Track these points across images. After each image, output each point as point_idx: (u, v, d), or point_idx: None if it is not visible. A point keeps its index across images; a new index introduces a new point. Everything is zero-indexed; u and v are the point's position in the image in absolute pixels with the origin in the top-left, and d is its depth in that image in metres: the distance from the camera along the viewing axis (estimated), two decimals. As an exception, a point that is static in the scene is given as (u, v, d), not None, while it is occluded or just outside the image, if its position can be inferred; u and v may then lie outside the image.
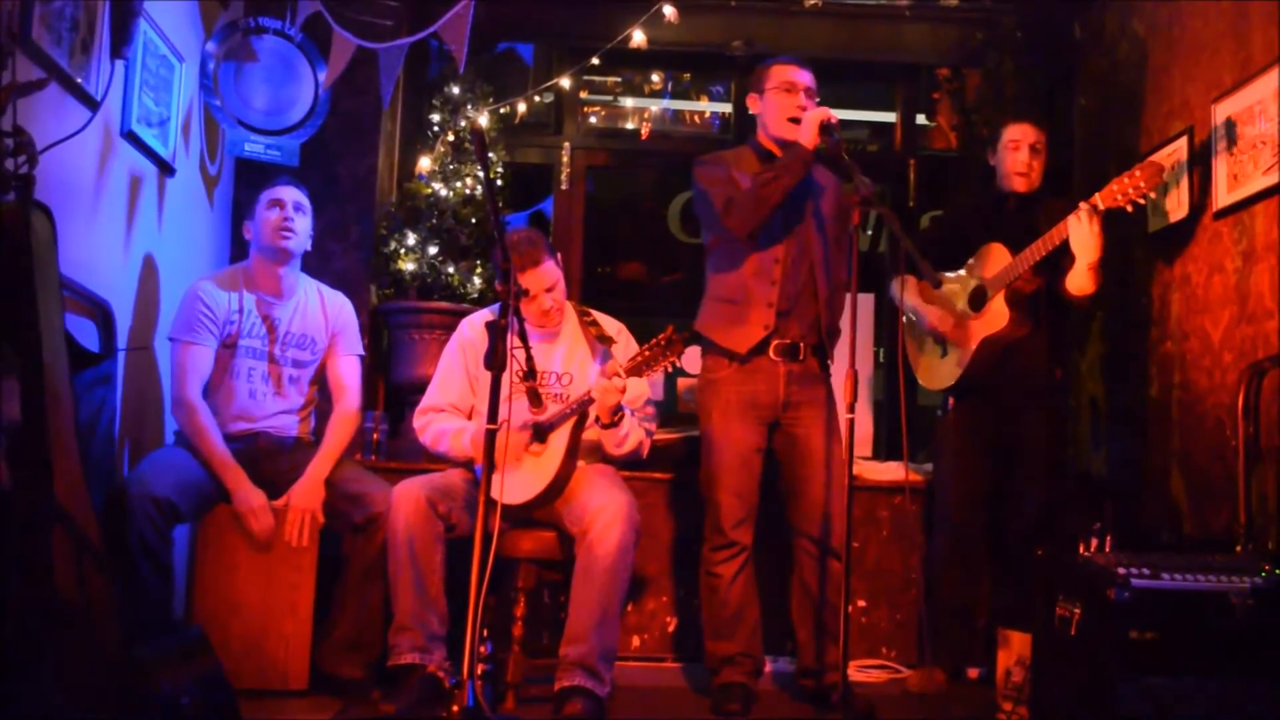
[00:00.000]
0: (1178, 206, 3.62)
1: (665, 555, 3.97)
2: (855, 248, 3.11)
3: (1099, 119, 4.37)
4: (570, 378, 3.29)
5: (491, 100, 4.52)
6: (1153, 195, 3.20)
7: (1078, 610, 2.68)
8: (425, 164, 4.41)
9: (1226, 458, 3.24)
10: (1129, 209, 3.18)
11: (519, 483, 3.10)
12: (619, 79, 6.07)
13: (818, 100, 3.26)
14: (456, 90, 4.45)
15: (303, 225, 3.39)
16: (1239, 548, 2.91)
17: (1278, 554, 2.85)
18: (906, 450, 3.16)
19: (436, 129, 4.44)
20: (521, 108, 4.57)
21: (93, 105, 2.98)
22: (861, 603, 3.97)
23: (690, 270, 6.42)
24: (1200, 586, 2.54)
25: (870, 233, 6.19)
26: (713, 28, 4.80)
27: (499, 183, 4.48)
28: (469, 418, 3.32)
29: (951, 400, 3.70)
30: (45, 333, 2.23)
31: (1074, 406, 4.30)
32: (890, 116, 5.52)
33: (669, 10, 4.16)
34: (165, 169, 3.58)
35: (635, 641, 3.95)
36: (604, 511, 3.00)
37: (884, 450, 4.73)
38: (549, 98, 5.14)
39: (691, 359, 3.94)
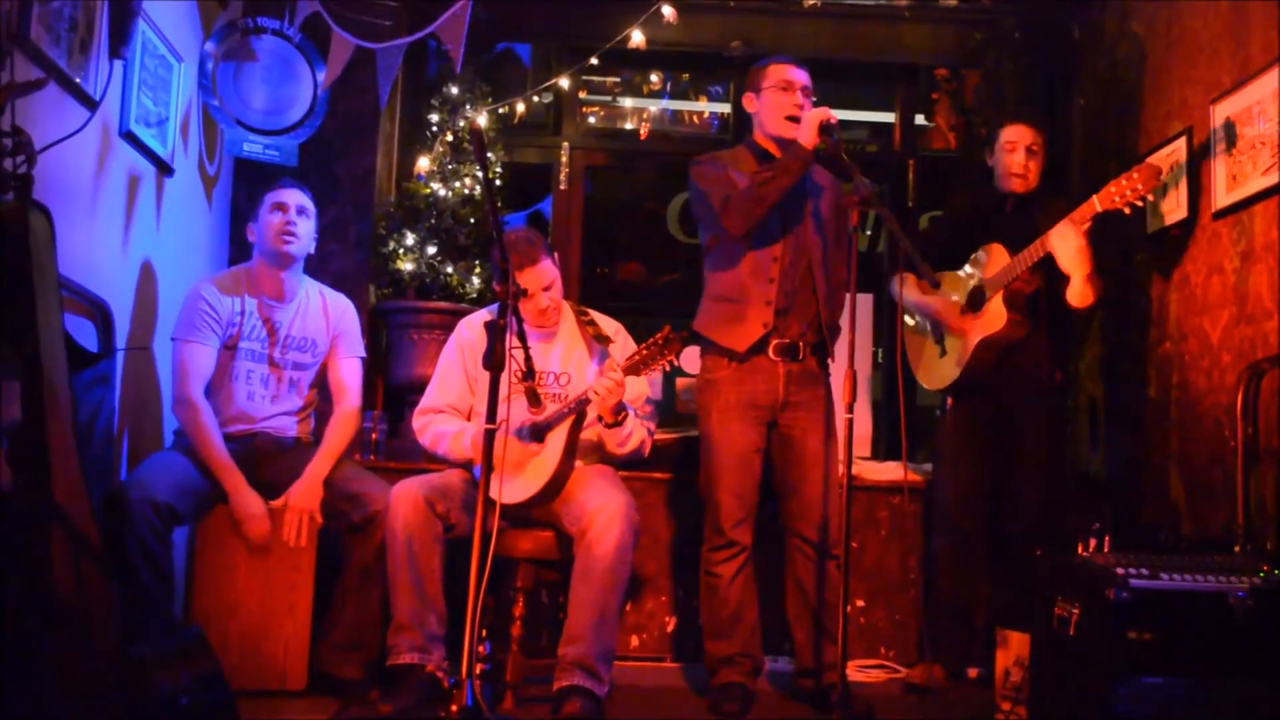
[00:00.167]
0: (1177, 207, 3.62)
1: (664, 555, 3.97)
2: (854, 248, 3.11)
3: (1098, 119, 4.37)
4: (568, 377, 3.30)
5: (490, 100, 4.52)
6: (1150, 197, 3.20)
7: (1076, 610, 2.68)
8: (424, 164, 4.40)
9: (1225, 458, 3.24)
10: (1127, 211, 3.18)
11: (517, 482, 3.10)
12: (618, 79, 6.07)
13: (814, 100, 3.26)
14: (455, 90, 4.45)
15: (305, 229, 3.39)
16: (1237, 548, 2.91)
17: (1276, 554, 2.85)
18: (905, 450, 3.16)
19: (435, 129, 4.44)
20: (520, 108, 4.57)
21: (91, 105, 2.97)
22: (860, 602, 3.97)
23: (689, 270, 6.41)
24: (1199, 587, 2.54)
25: (870, 233, 6.20)
26: (711, 28, 4.80)
27: (497, 183, 4.47)
28: (468, 418, 3.32)
29: (950, 400, 3.71)
30: (44, 333, 2.23)
31: (1073, 407, 4.30)
32: (889, 117, 5.52)
33: (668, 10, 4.17)
34: (164, 169, 3.58)
35: (634, 641, 3.95)
36: (602, 511, 3.00)
37: (883, 450, 4.73)
38: (548, 98, 5.14)
39: (690, 358, 3.94)
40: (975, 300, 3.53)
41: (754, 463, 3.25)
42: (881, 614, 3.99)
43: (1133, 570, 2.56)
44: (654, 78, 6.06)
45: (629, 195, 6.75)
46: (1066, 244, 3.23)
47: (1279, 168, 3.06)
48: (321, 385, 3.51)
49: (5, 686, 2.00)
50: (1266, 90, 3.14)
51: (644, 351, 3.06)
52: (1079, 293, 3.32)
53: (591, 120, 6.06)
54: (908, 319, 3.80)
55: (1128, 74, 4.07)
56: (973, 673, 3.66)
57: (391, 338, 4.33)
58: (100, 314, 3.05)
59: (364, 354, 3.55)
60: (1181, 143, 3.60)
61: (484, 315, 3.40)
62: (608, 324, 3.38)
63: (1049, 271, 3.38)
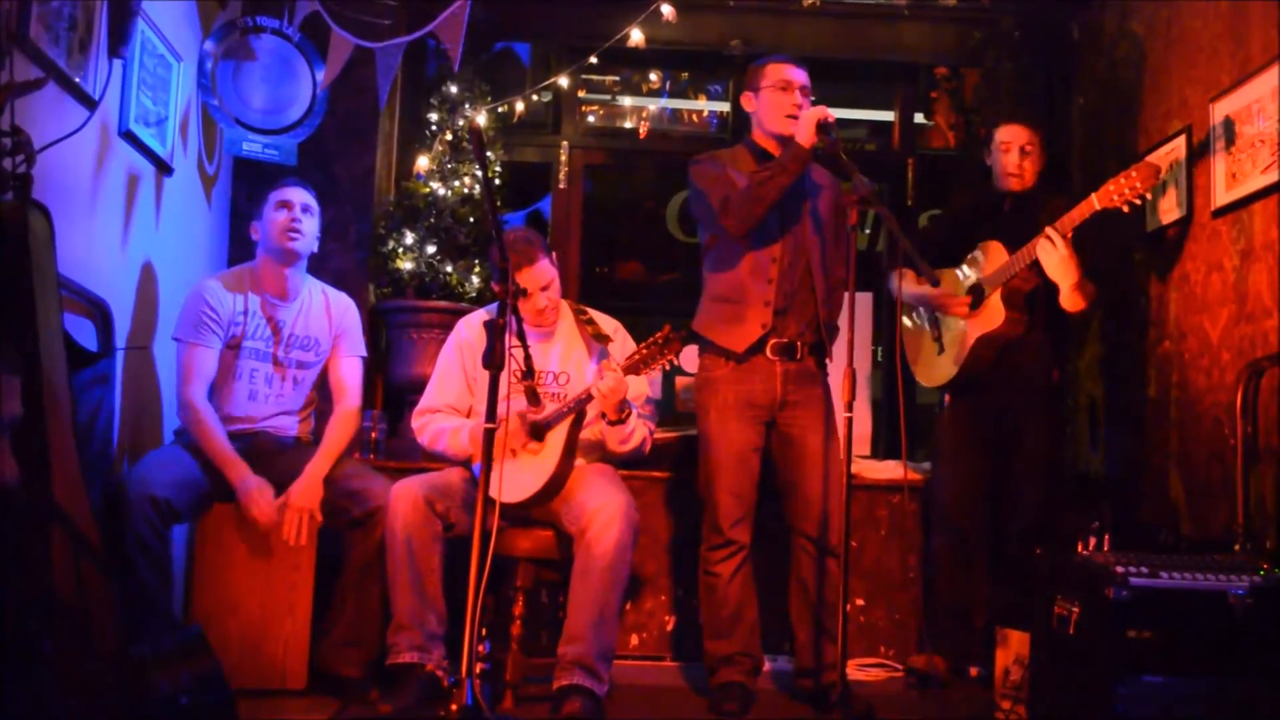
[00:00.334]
0: (1176, 205, 3.62)
1: (664, 554, 3.97)
2: (853, 247, 3.11)
3: (1097, 118, 4.37)
4: (567, 376, 3.29)
5: (489, 99, 4.52)
6: (1149, 196, 3.21)
7: (1076, 609, 2.68)
8: (423, 163, 4.40)
9: (1225, 457, 3.24)
10: (1125, 209, 3.18)
11: (517, 481, 3.09)
12: (617, 78, 6.07)
13: (813, 99, 3.26)
14: (454, 89, 4.45)
15: (310, 227, 3.39)
16: (1237, 547, 2.91)
17: (1275, 553, 2.85)
18: (905, 449, 3.16)
19: (434, 128, 4.44)
20: (519, 107, 4.57)
21: (90, 104, 2.97)
22: (860, 601, 3.97)
23: (688, 270, 6.41)
24: (1198, 586, 2.54)
25: (869, 232, 6.20)
26: (711, 27, 4.80)
27: (497, 182, 4.47)
28: (467, 418, 3.31)
29: (948, 398, 3.70)
30: (43, 332, 2.23)
31: (1072, 406, 4.30)
32: (888, 115, 5.52)
33: (667, 9, 4.16)
34: (163, 168, 3.58)
35: (634, 640, 3.95)
36: (602, 511, 3.00)
37: (882, 449, 4.74)
38: (547, 97, 5.15)
39: (689, 357, 3.94)
40: (974, 297, 3.53)
41: (752, 462, 3.25)
42: (881, 613, 3.99)
43: (1132, 569, 2.56)
44: (653, 76, 6.06)
45: (628, 194, 6.75)
46: (1050, 256, 3.26)
47: (1278, 166, 3.06)
48: (322, 385, 3.51)
49: (5, 686, 2.00)
50: (1266, 89, 3.14)
51: (643, 351, 3.06)
52: (1068, 300, 3.35)
53: (591, 119, 6.06)
54: (906, 320, 3.80)
55: (1127, 73, 4.07)
56: (973, 671, 3.66)
57: (391, 337, 4.33)
58: (100, 313, 3.05)
59: (365, 353, 3.55)
60: (1181, 141, 3.60)
61: (483, 315, 3.40)
62: (607, 323, 3.38)
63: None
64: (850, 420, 2.91)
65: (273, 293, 3.40)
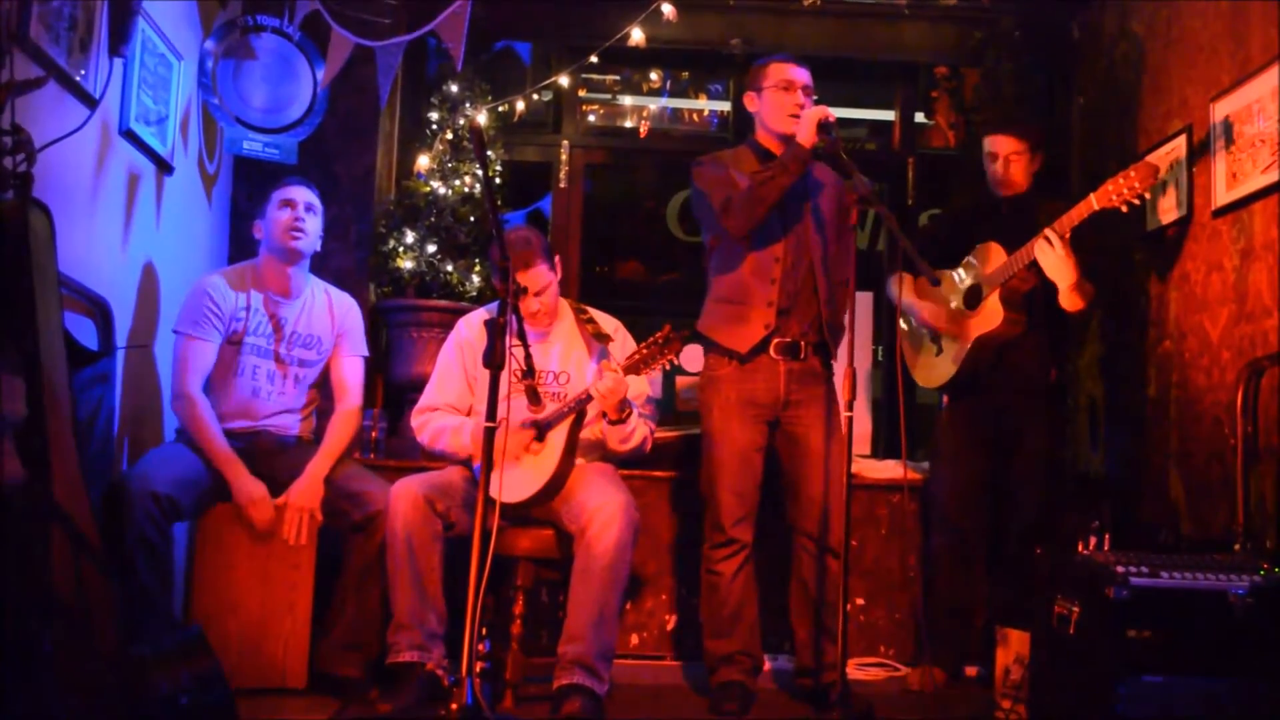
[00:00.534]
0: (1176, 205, 3.62)
1: (664, 553, 3.97)
2: (854, 246, 3.11)
3: (1097, 118, 4.37)
4: (567, 376, 3.29)
5: (490, 98, 4.52)
6: (1147, 195, 3.21)
7: (1076, 609, 2.68)
8: (424, 162, 4.40)
9: (1225, 457, 3.24)
10: (1124, 209, 3.19)
11: (517, 480, 3.10)
12: (617, 77, 6.08)
13: (815, 98, 3.26)
14: (455, 88, 4.45)
15: (313, 225, 3.40)
16: (1237, 546, 2.91)
17: (1276, 553, 2.85)
18: (905, 448, 3.16)
19: (435, 127, 4.44)
20: (520, 106, 4.57)
21: (91, 103, 2.97)
22: (860, 601, 3.97)
23: (688, 269, 6.43)
24: (1198, 585, 2.54)
25: (869, 232, 6.20)
26: (711, 26, 4.80)
27: (497, 181, 4.47)
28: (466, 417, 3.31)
29: (946, 398, 3.70)
30: (43, 331, 2.23)
31: (1072, 406, 4.30)
32: (889, 115, 5.52)
33: (667, 9, 4.16)
34: (164, 167, 3.58)
35: (634, 640, 3.95)
36: (602, 510, 3.00)
37: (882, 448, 4.73)
38: (547, 96, 5.15)
39: (689, 357, 3.95)
40: (972, 298, 3.53)
41: (754, 461, 3.26)
42: (881, 613, 3.99)
43: (1133, 569, 2.57)
44: (654, 76, 6.06)
45: (628, 193, 6.75)
46: (1047, 256, 3.26)
47: (1278, 166, 3.06)
48: (324, 384, 3.51)
49: (5, 686, 2.00)
50: (1266, 88, 3.14)
51: (644, 350, 3.06)
52: (1067, 299, 3.35)
53: (591, 118, 6.07)
54: (903, 322, 3.80)
55: (1127, 73, 4.07)
56: (972, 671, 3.67)
57: (391, 336, 4.33)
58: (100, 312, 3.05)
59: (367, 353, 3.55)
60: (1181, 141, 3.60)
61: (483, 314, 3.40)
62: (607, 322, 3.38)
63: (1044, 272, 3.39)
64: (850, 420, 2.91)
65: (275, 290, 3.40)
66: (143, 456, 3.22)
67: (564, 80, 4.58)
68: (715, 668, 3.26)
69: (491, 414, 2.54)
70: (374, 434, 4.07)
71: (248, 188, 4.20)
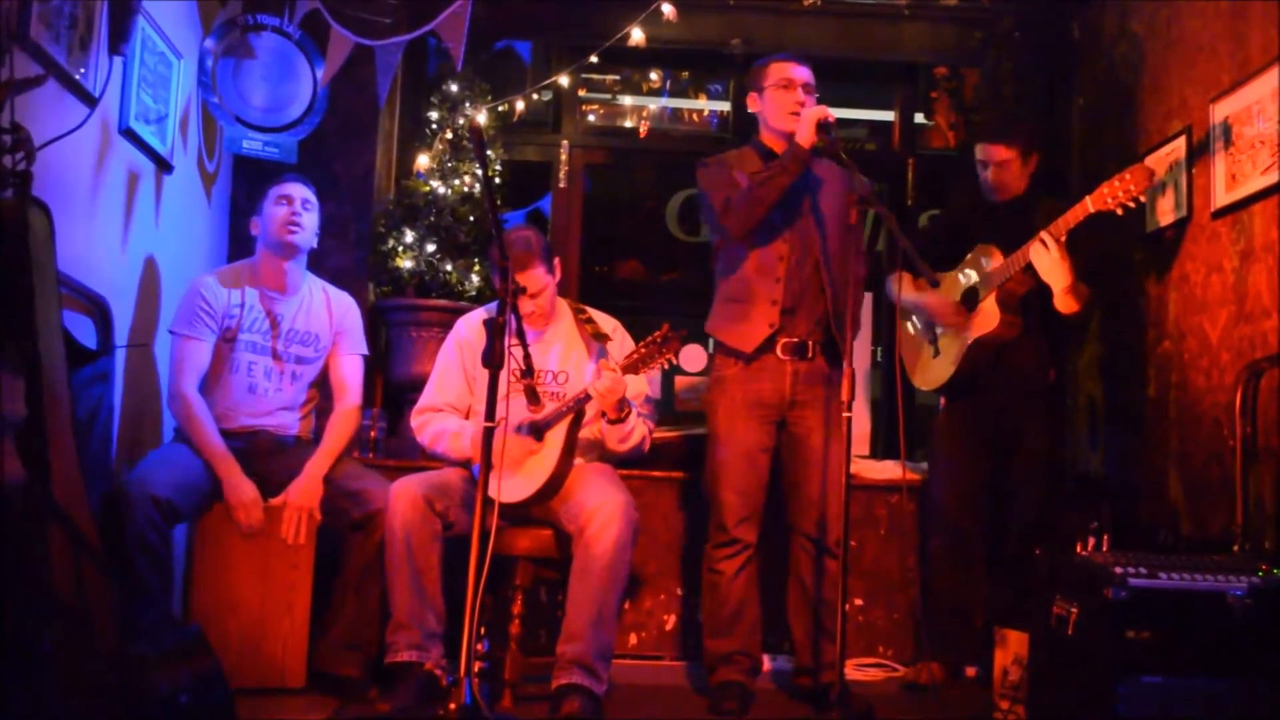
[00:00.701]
0: (1175, 206, 3.62)
1: (663, 553, 3.97)
2: (862, 243, 3.11)
3: (1097, 119, 4.37)
4: (566, 376, 3.29)
5: (489, 98, 4.52)
6: (1143, 198, 3.21)
7: (1075, 610, 2.68)
8: (423, 161, 4.40)
9: (1224, 458, 3.24)
10: (1119, 212, 3.19)
11: (516, 480, 3.10)
12: (617, 77, 6.07)
13: (817, 96, 3.26)
14: (455, 88, 4.45)
15: (309, 221, 3.41)
16: (1236, 547, 2.91)
17: (1274, 554, 2.85)
18: (904, 448, 3.16)
19: (435, 127, 4.44)
20: (520, 105, 4.56)
21: (91, 102, 2.97)
22: (858, 601, 3.97)
23: (688, 269, 6.43)
24: (1197, 586, 2.54)
25: (868, 232, 6.19)
26: (711, 26, 4.80)
27: (497, 180, 4.47)
28: (466, 417, 3.31)
29: (943, 400, 3.70)
30: (43, 330, 2.23)
31: (1071, 406, 4.30)
32: (889, 115, 5.52)
33: (667, 8, 4.16)
34: (163, 166, 3.58)
35: (633, 639, 3.95)
36: (601, 510, 3.00)
37: (881, 448, 4.73)
38: (547, 96, 5.14)
39: (688, 357, 3.95)
40: (969, 300, 3.54)
41: (759, 461, 3.26)
42: (880, 613, 3.99)
43: (1131, 569, 2.56)
44: (653, 75, 6.06)
45: (628, 193, 6.75)
46: (1042, 259, 3.27)
47: (1278, 167, 3.06)
48: (323, 383, 3.51)
49: (5, 686, 2.00)
50: (1265, 89, 3.14)
51: (642, 350, 3.06)
52: (1062, 302, 3.36)
53: (591, 118, 6.06)
54: (904, 317, 3.80)
55: (1127, 73, 4.07)
56: (971, 672, 3.67)
57: (390, 335, 4.33)
58: (99, 311, 3.04)
59: (366, 351, 3.55)
60: (1181, 142, 3.60)
61: (482, 314, 3.40)
62: (606, 322, 3.38)
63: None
64: (850, 420, 2.91)
65: (271, 286, 3.40)
66: (142, 459, 3.22)
67: (564, 80, 4.58)
68: (714, 667, 3.26)
69: (490, 413, 2.54)
70: (373, 434, 4.07)
71: (247, 187, 4.19)
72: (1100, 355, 4.22)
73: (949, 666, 3.61)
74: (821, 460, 3.23)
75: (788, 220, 3.24)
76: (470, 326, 3.36)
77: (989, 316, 3.45)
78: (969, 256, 3.58)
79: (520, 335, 2.79)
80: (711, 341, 3.40)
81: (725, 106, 5.93)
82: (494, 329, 2.57)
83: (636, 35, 4.23)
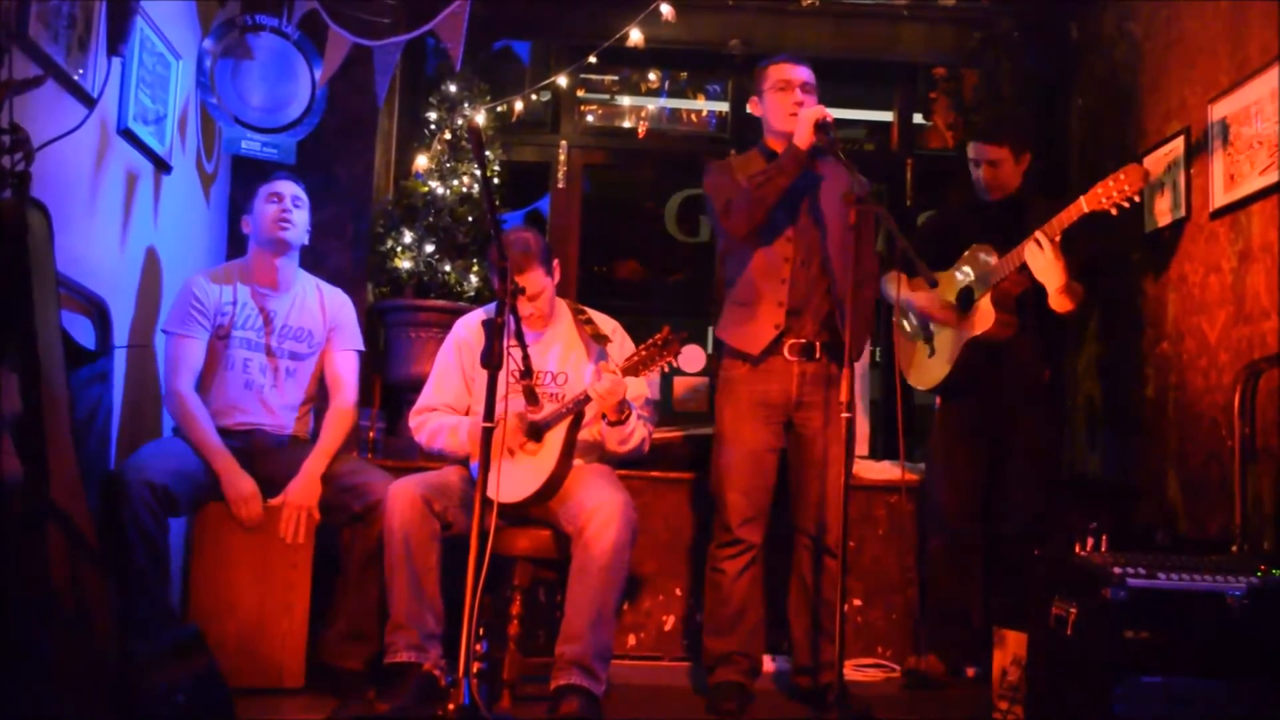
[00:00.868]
0: (1174, 207, 3.63)
1: (662, 553, 3.97)
2: (872, 243, 3.11)
3: (1096, 119, 4.37)
4: (565, 377, 3.29)
5: (488, 98, 4.52)
6: (1137, 198, 3.21)
7: (1074, 610, 2.68)
8: (422, 162, 4.40)
9: (1222, 458, 3.24)
10: (1114, 212, 3.19)
11: (515, 481, 3.09)
12: (616, 77, 6.07)
13: (817, 96, 3.26)
14: (453, 88, 4.45)
15: (300, 218, 3.42)
16: (1235, 548, 2.92)
17: (1273, 554, 2.86)
18: (903, 449, 3.16)
19: (433, 127, 4.44)
20: (518, 106, 4.56)
21: (89, 102, 2.97)
22: (857, 601, 3.97)
23: (687, 269, 6.43)
24: (1196, 586, 2.54)
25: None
26: (710, 26, 4.81)
27: (496, 181, 4.47)
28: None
29: (939, 400, 3.70)
30: (41, 330, 2.23)
31: (1070, 407, 4.30)
32: (887, 116, 5.52)
33: (666, 9, 4.16)
34: (162, 166, 3.58)
35: (631, 640, 3.95)
36: (600, 510, 3.00)
37: (880, 449, 4.73)
38: (546, 96, 5.14)
39: (688, 359, 3.95)
40: (964, 300, 3.54)
41: (766, 462, 3.26)
42: (879, 613, 3.99)
43: (1130, 570, 2.56)
44: (652, 76, 6.06)
45: (627, 194, 6.75)
46: (1036, 259, 3.28)
47: (1277, 167, 3.06)
48: (321, 382, 3.51)
49: (3, 685, 2.00)
50: (1264, 90, 3.14)
51: (643, 352, 3.06)
52: (1056, 301, 3.37)
53: (590, 119, 6.06)
54: (902, 324, 3.80)
55: (1126, 74, 4.08)
56: (970, 672, 3.67)
57: (389, 336, 4.32)
58: (98, 311, 3.04)
59: (362, 347, 3.55)
60: (1179, 142, 3.60)
61: (481, 314, 3.40)
62: (605, 323, 3.38)
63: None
64: (850, 420, 2.91)
65: (263, 283, 3.41)
66: (139, 449, 3.21)
67: (562, 80, 4.58)
68: (713, 667, 3.26)
69: (489, 414, 2.54)
70: (371, 434, 4.07)
71: (246, 187, 4.15)
72: (1099, 356, 4.22)
73: (948, 666, 3.61)
74: (822, 461, 3.23)
75: (792, 221, 3.24)
76: (469, 327, 3.36)
77: (984, 316, 3.45)
78: (964, 256, 3.58)
79: (519, 336, 2.79)
80: (712, 342, 3.40)
81: (724, 107, 5.93)
82: (493, 330, 2.58)
83: (635, 36, 4.23)
